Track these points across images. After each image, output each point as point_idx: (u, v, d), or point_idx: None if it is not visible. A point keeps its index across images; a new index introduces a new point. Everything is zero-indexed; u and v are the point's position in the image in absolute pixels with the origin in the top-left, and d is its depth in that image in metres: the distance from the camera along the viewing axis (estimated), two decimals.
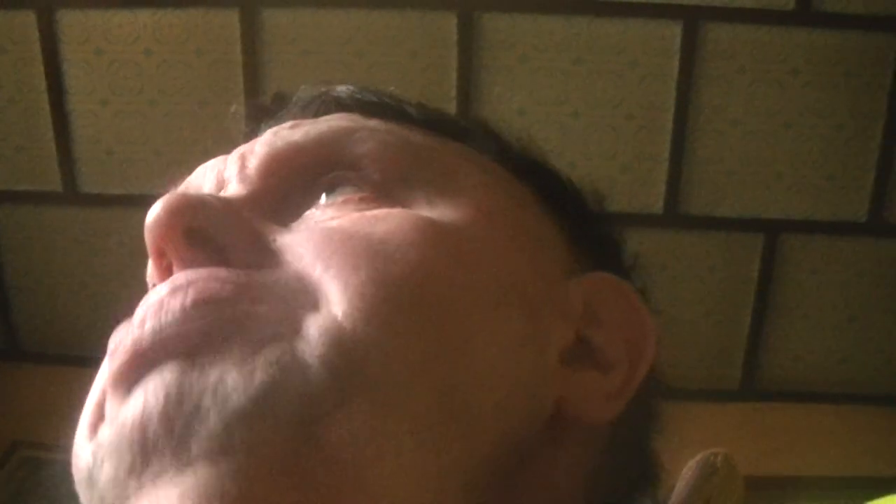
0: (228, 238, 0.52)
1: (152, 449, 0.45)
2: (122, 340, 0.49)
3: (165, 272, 0.54)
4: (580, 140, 3.67)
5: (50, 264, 3.89)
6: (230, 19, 3.54)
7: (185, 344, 0.47)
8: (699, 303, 3.97)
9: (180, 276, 0.51)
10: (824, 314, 4.03)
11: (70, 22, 3.55)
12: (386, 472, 0.46)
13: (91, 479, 0.49)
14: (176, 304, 0.48)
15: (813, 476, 3.84)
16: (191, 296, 0.48)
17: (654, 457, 0.65)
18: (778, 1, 3.50)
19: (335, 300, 0.48)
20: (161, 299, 0.49)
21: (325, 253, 0.50)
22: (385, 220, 0.53)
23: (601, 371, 0.57)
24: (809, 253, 3.91)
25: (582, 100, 3.64)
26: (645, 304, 0.62)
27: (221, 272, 0.50)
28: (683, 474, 0.55)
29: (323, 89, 0.68)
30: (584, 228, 0.66)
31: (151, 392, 0.46)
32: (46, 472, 3.24)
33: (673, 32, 3.55)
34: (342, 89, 0.68)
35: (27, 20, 3.55)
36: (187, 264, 0.52)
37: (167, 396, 0.45)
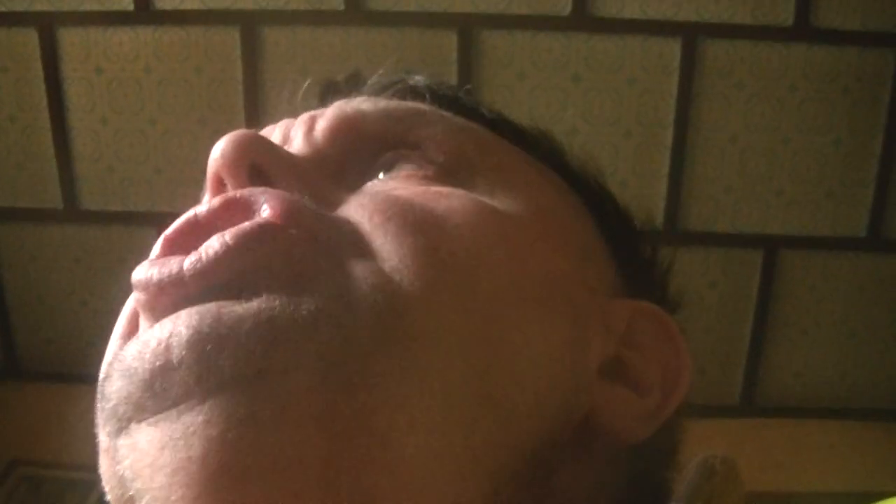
0: (288, 184, 0.52)
1: (172, 372, 0.43)
2: (160, 271, 0.47)
3: None
4: (579, 157, 3.66)
5: (50, 282, 3.88)
6: (230, 37, 3.54)
7: (228, 278, 0.46)
8: (698, 318, 3.97)
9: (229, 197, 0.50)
10: (824, 330, 4.03)
11: (71, 40, 3.56)
12: (414, 445, 0.44)
13: (104, 394, 0.46)
14: (215, 245, 0.46)
15: (813, 492, 3.83)
16: (235, 231, 0.47)
17: (668, 489, 0.65)
18: (776, 17, 3.51)
19: (388, 255, 0.47)
20: (205, 224, 0.49)
21: (385, 213, 0.50)
22: (448, 198, 0.53)
23: (636, 392, 0.58)
24: (809, 269, 3.92)
25: (580, 117, 3.65)
26: (684, 340, 0.63)
27: (275, 198, 0.49)
28: (683, 476, 0.55)
29: (401, 76, 0.69)
30: (633, 254, 0.66)
31: (185, 316, 0.44)
32: (45, 489, 3.24)
33: (672, 49, 3.55)
34: (419, 78, 0.68)
35: (28, 38, 3.57)
36: None
37: (201, 318, 0.43)
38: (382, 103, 0.62)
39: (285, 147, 0.59)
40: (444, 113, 0.63)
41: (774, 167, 3.73)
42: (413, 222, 0.50)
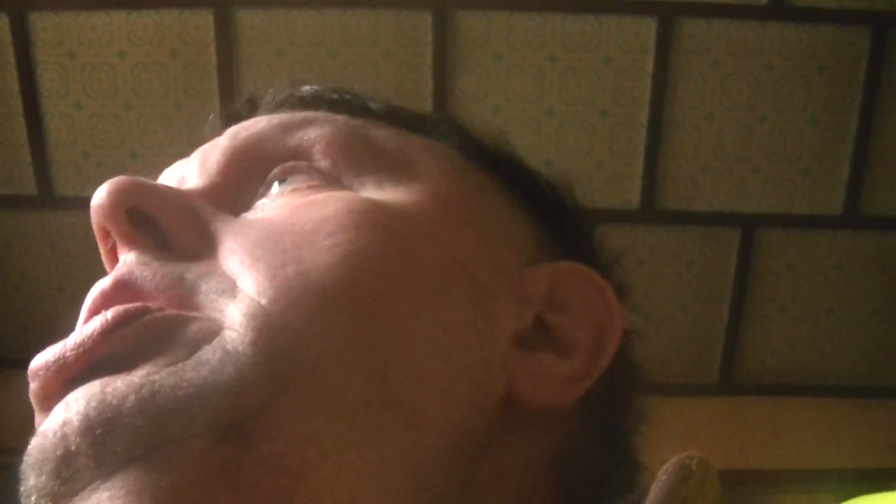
0: (167, 220, 0.52)
1: (73, 459, 0.44)
2: (46, 356, 0.49)
3: (111, 254, 0.55)
4: (555, 137, 3.68)
5: (25, 268, 3.87)
6: (204, 21, 3.53)
7: (109, 356, 0.46)
8: (676, 297, 3.99)
9: (106, 286, 0.50)
10: (801, 307, 4.06)
11: (43, 25, 3.53)
12: (331, 471, 0.45)
13: (24, 493, 0.47)
14: (96, 323, 0.47)
15: (792, 468, 3.86)
16: (111, 312, 0.48)
17: (632, 454, 0.63)
18: None
19: (261, 290, 0.48)
20: (86, 314, 0.49)
21: (256, 249, 0.50)
22: (322, 205, 0.53)
23: (561, 354, 0.56)
24: (786, 247, 3.93)
25: (557, 97, 3.65)
26: (614, 293, 0.60)
27: (147, 273, 0.50)
28: (658, 477, 0.54)
29: (289, 90, 0.69)
30: (554, 219, 0.65)
31: (72, 402, 0.45)
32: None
33: (648, 28, 3.56)
34: (306, 89, 0.68)
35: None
36: (129, 244, 0.52)
37: (88, 401, 0.44)
38: (276, 118, 0.62)
39: (185, 184, 0.59)
40: (336, 116, 0.62)
41: (751, 146, 3.74)
42: (282, 251, 0.50)
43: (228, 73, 3.55)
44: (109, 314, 0.47)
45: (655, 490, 0.53)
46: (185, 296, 0.49)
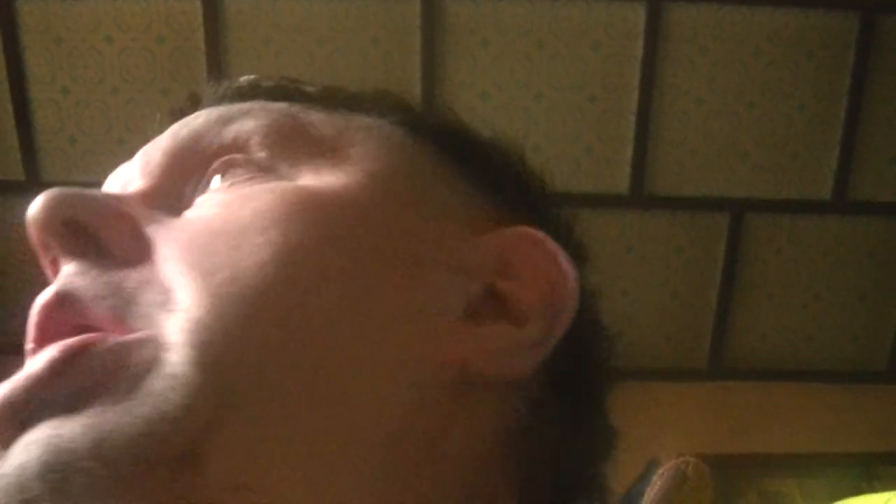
0: (104, 229, 0.52)
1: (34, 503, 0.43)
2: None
3: (52, 267, 0.55)
4: (544, 122, 3.68)
5: (12, 252, 3.86)
6: (192, 6, 3.52)
7: (58, 398, 0.46)
8: (665, 283, 3.99)
9: (43, 321, 0.50)
10: (790, 293, 4.06)
11: (29, 10, 3.52)
12: (284, 478, 0.45)
13: None
14: (42, 361, 0.47)
15: (780, 453, 3.87)
16: (57, 351, 0.47)
17: (602, 418, 0.63)
18: None
19: (197, 302, 0.47)
20: (31, 350, 0.49)
21: (189, 254, 0.50)
22: (254, 199, 0.53)
23: (516, 323, 0.55)
24: (775, 232, 3.94)
25: (545, 82, 3.64)
26: (568, 256, 0.58)
27: (85, 282, 0.50)
28: (654, 481, 0.54)
29: (226, 83, 0.68)
30: (501, 186, 0.63)
31: (24, 444, 0.45)
32: None
33: (636, 14, 3.55)
34: (243, 80, 0.67)
35: None
36: (67, 256, 0.52)
37: (45, 447, 0.44)
38: (216, 111, 0.61)
39: (129, 187, 0.59)
40: (273, 104, 0.62)
41: (739, 131, 3.74)
42: (213, 255, 0.49)
43: (216, 59, 3.54)
44: (56, 352, 0.46)
45: (651, 494, 0.53)
46: (124, 309, 0.48)
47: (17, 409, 0.46)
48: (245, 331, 0.46)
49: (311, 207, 0.52)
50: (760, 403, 4.03)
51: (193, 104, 0.67)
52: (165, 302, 0.48)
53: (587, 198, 3.74)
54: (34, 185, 3.72)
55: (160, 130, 0.63)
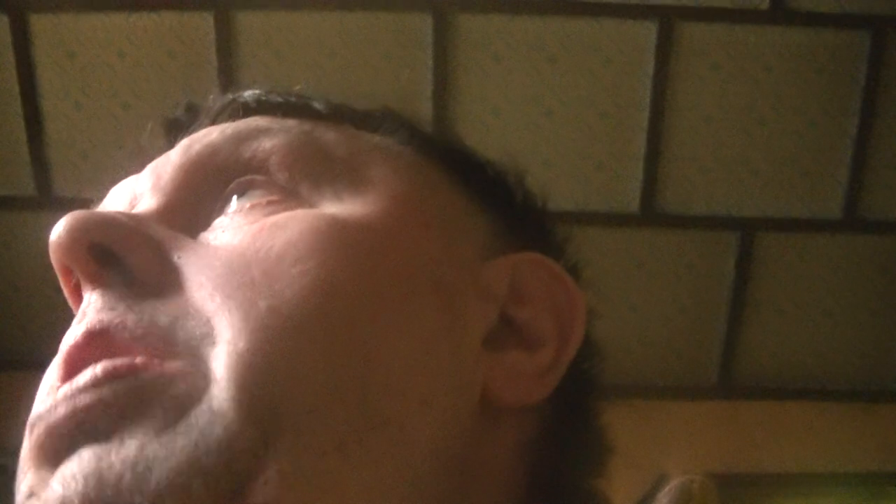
0: (131, 255, 0.51)
1: None
2: (39, 415, 0.48)
3: (75, 291, 0.54)
4: (555, 138, 3.68)
5: (24, 269, 3.86)
6: (204, 21, 3.53)
7: (100, 420, 0.46)
8: (675, 300, 3.98)
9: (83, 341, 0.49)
10: (800, 310, 4.05)
11: (43, 25, 3.53)
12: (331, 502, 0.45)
13: None
14: (86, 379, 0.46)
15: (790, 472, 3.86)
16: (100, 370, 0.46)
17: (598, 434, 0.63)
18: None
19: (238, 334, 0.47)
20: (68, 372, 0.48)
21: (225, 284, 0.49)
22: (285, 228, 0.52)
23: (528, 350, 0.56)
24: (785, 250, 3.93)
25: (556, 98, 3.65)
26: (573, 279, 0.60)
27: (118, 320, 0.49)
28: (660, 498, 0.54)
29: (230, 96, 0.67)
30: (507, 209, 0.64)
31: (70, 477, 0.44)
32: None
33: (648, 31, 3.56)
34: (248, 94, 0.67)
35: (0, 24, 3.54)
36: (93, 282, 0.51)
37: (87, 479, 0.44)
38: (229, 129, 0.60)
39: (136, 205, 0.58)
40: (286, 122, 0.61)
41: (750, 148, 3.74)
42: (252, 286, 0.49)
43: (228, 73, 3.55)
44: (99, 369, 0.46)
45: None
46: (163, 345, 0.48)
47: (56, 422, 0.46)
48: (287, 367, 0.47)
49: (342, 237, 0.52)
50: (770, 421, 4.02)
51: (191, 115, 0.67)
52: (206, 334, 0.48)
53: (598, 215, 3.74)
54: (46, 200, 3.73)
55: (153, 140, 0.63)
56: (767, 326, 4.07)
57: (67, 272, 0.53)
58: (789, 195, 3.82)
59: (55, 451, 0.46)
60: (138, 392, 0.46)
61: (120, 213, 0.55)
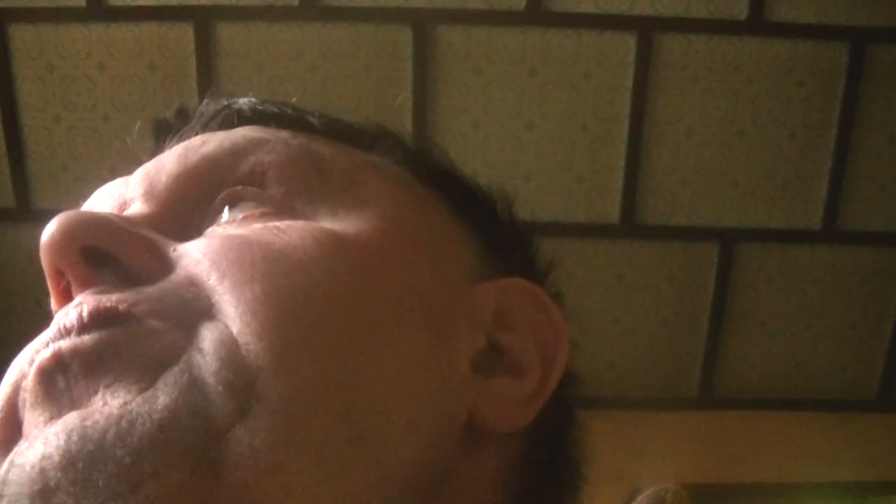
0: (126, 254, 0.50)
1: (52, 495, 0.42)
2: (20, 361, 0.49)
3: (64, 295, 0.52)
4: (535, 151, 3.68)
5: (3, 281, 3.85)
6: (184, 33, 3.52)
7: (85, 363, 0.46)
8: (656, 312, 3.99)
9: (76, 300, 0.49)
10: (780, 322, 4.06)
11: (22, 36, 3.52)
12: None
13: None
14: (72, 319, 0.47)
15: (770, 482, 3.86)
16: (86, 310, 0.47)
17: (574, 460, 0.63)
18: (731, 11, 3.53)
19: (229, 314, 0.47)
20: (57, 320, 0.48)
21: (221, 261, 0.49)
22: (286, 232, 0.52)
23: (514, 376, 0.56)
24: (765, 261, 3.95)
25: (536, 111, 3.65)
26: (558, 307, 0.60)
27: (112, 294, 0.48)
28: None
29: (225, 103, 0.67)
30: (494, 233, 0.64)
31: (52, 433, 0.44)
32: None
33: (627, 43, 3.57)
34: (244, 102, 0.66)
35: None
36: (86, 284, 0.50)
37: (69, 435, 0.43)
38: (227, 140, 0.59)
39: (126, 209, 0.57)
40: (283, 134, 0.60)
41: (730, 160, 3.75)
42: (251, 266, 0.49)
43: (208, 85, 3.54)
44: (85, 312, 0.47)
45: None
46: (150, 306, 0.48)
47: (45, 374, 0.46)
48: (275, 360, 0.46)
49: (341, 251, 0.52)
50: (751, 432, 4.03)
51: (181, 118, 0.66)
52: (198, 305, 0.48)
53: (578, 227, 3.75)
54: (25, 212, 3.72)
55: (141, 141, 0.62)
56: (748, 337, 4.08)
57: (57, 275, 0.52)
58: (769, 206, 3.83)
59: (37, 391, 0.46)
60: (116, 342, 0.46)
61: (112, 214, 0.54)
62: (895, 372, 4.16)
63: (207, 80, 3.54)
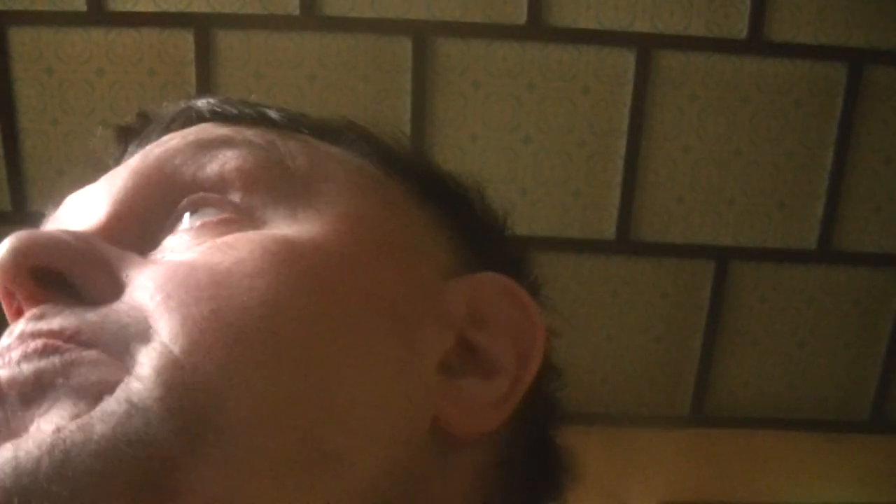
0: (76, 274, 0.49)
1: None
2: None
3: (17, 316, 0.51)
4: (532, 165, 3.68)
5: None
6: (184, 40, 3.52)
7: (21, 394, 0.44)
8: (650, 328, 3.99)
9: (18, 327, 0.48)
10: (774, 341, 4.06)
11: (21, 40, 3.52)
12: None
13: None
14: (11, 347, 0.46)
15: (762, 502, 3.85)
16: (25, 338, 0.46)
17: (558, 458, 0.61)
18: (730, 30, 3.54)
19: (172, 334, 0.45)
20: None
21: (166, 286, 0.47)
22: (235, 248, 0.50)
23: (485, 377, 0.54)
24: (759, 280, 3.94)
25: (534, 125, 3.65)
26: (535, 303, 0.58)
27: (54, 319, 0.47)
28: None
29: (184, 104, 0.66)
30: (468, 226, 0.62)
31: None
32: None
33: (626, 60, 3.57)
34: (202, 103, 0.65)
35: None
36: (35, 304, 0.49)
37: (2, 468, 0.41)
38: (192, 135, 0.58)
39: (86, 221, 0.56)
40: (246, 131, 0.59)
41: (726, 178, 3.75)
42: (196, 288, 0.47)
43: (207, 93, 3.53)
44: (15, 352, 0.45)
45: None
46: (88, 336, 0.46)
47: None
48: (224, 380, 0.44)
49: (293, 260, 0.50)
50: (743, 451, 4.02)
51: (143, 123, 0.65)
52: (139, 330, 0.46)
53: (574, 242, 3.75)
54: (21, 215, 3.71)
55: (105, 149, 0.61)
56: (741, 356, 4.07)
57: (10, 297, 0.51)
58: (765, 225, 3.83)
59: None
60: (49, 373, 0.44)
61: (65, 231, 0.53)
62: (888, 393, 4.15)
63: (206, 87, 3.54)
